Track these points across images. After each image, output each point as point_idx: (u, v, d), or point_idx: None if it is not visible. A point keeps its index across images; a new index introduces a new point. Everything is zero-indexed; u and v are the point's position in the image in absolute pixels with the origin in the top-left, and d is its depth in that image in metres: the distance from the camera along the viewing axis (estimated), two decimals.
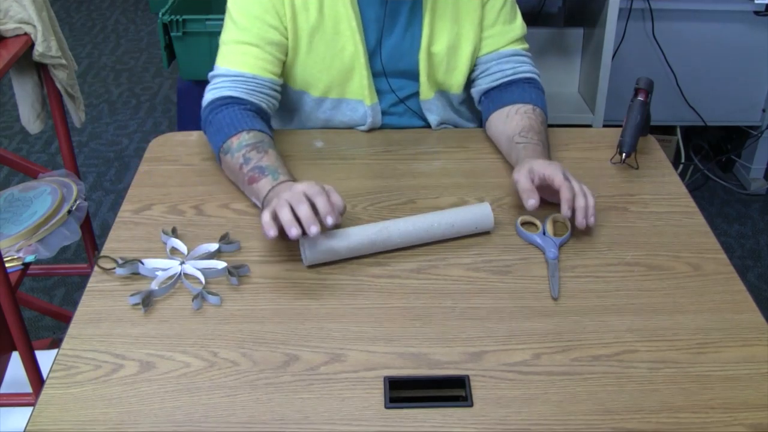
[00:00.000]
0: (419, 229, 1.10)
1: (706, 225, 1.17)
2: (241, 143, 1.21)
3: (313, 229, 1.00)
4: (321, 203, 1.02)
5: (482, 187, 1.25)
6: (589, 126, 2.29)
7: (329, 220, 1.02)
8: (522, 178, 1.14)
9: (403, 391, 0.89)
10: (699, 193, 2.72)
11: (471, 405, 0.87)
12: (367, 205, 1.21)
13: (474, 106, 1.47)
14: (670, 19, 2.34)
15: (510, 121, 1.32)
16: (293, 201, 1.02)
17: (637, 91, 1.31)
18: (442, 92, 1.42)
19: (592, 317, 0.99)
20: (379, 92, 1.39)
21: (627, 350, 0.94)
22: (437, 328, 0.97)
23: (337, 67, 1.34)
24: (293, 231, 1.00)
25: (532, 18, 2.53)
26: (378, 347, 0.95)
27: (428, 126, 1.43)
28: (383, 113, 1.40)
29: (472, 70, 1.41)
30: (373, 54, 1.35)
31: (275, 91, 1.34)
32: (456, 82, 1.40)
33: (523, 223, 1.16)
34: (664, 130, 2.69)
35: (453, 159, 1.33)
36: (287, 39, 1.32)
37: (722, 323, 0.98)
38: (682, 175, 2.37)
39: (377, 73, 1.37)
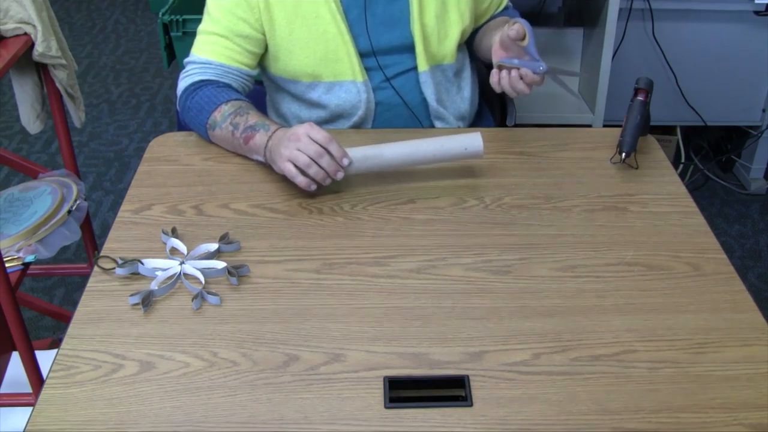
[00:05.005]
0: (411, 147, 1.22)
1: (706, 225, 1.17)
2: (224, 115, 1.30)
3: (328, 181, 1.19)
4: (326, 163, 1.16)
5: (482, 187, 1.25)
6: (589, 126, 2.29)
7: (339, 176, 1.18)
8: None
9: (403, 391, 0.89)
10: (699, 193, 2.72)
11: (471, 405, 0.87)
12: (367, 204, 1.21)
13: (468, 79, 1.52)
14: (670, 19, 2.34)
15: (489, 25, 1.50)
16: (308, 152, 1.15)
17: (637, 91, 1.31)
18: (437, 65, 1.44)
19: (591, 317, 0.99)
20: (369, 70, 1.41)
21: (627, 350, 0.94)
22: (437, 328, 0.97)
23: (321, 50, 1.36)
24: (312, 187, 1.19)
25: (532, 18, 2.52)
26: (378, 347, 0.95)
27: (424, 102, 1.45)
28: (375, 89, 1.42)
29: (465, 38, 1.48)
30: (358, 34, 1.37)
31: (244, 79, 1.40)
32: (449, 50, 1.44)
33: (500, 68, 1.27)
34: (664, 130, 2.69)
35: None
36: (262, 34, 1.37)
37: (722, 323, 0.98)
38: (682, 175, 2.37)
39: (367, 52, 1.39)
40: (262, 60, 1.44)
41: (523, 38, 1.24)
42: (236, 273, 1.05)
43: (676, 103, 2.48)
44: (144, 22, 4.27)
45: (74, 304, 1.95)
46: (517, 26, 1.22)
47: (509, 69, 1.26)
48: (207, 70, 1.36)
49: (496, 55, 1.30)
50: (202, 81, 1.36)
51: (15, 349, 1.60)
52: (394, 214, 1.19)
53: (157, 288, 1.03)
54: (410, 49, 1.41)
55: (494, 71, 1.28)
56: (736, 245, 2.47)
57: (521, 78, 1.23)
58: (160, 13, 2.23)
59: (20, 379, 1.64)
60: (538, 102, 2.36)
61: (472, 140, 1.23)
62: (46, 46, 1.63)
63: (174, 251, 1.11)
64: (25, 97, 1.76)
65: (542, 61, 1.21)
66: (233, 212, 1.19)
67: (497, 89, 1.28)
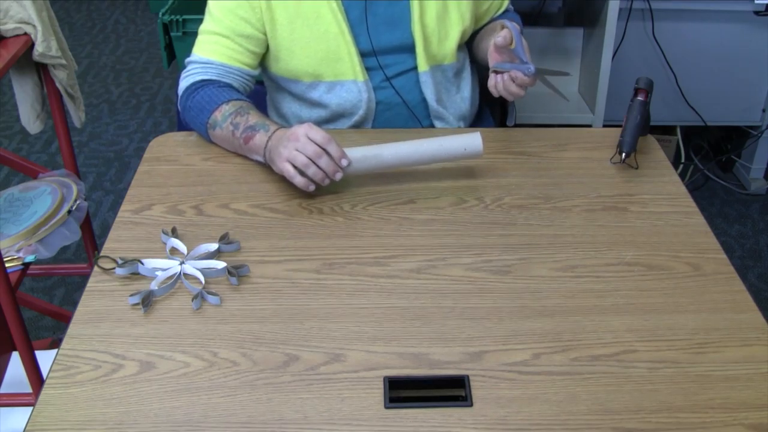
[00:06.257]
0: (410, 147, 1.22)
1: (706, 225, 1.17)
2: (225, 114, 1.30)
3: (327, 181, 1.19)
4: (324, 164, 1.16)
5: (482, 187, 1.25)
6: (589, 126, 2.29)
7: (338, 176, 1.18)
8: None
9: (403, 391, 0.89)
10: (699, 193, 2.72)
11: (471, 405, 0.87)
12: (367, 205, 1.21)
13: (468, 79, 1.53)
14: (670, 19, 2.34)
15: (487, 29, 1.51)
16: (306, 152, 1.15)
17: (637, 91, 1.31)
18: (437, 66, 1.45)
19: (591, 317, 0.99)
20: (370, 69, 1.41)
21: (626, 350, 0.94)
22: (437, 328, 0.97)
23: (322, 49, 1.36)
24: (311, 187, 1.19)
25: (532, 18, 2.53)
26: (378, 347, 0.95)
27: (424, 102, 1.45)
28: (375, 89, 1.42)
29: (465, 38, 1.49)
30: (359, 33, 1.37)
31: (245, 79, 1.40)
32: (449, 51, 1.44)
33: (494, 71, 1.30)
34: (664, 130, 2.69)
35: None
36: (263, 33, 1.37)
37: (722, 323, 0.98)
38: (682, 175, 2.37)
39: (367, 52, 1.39)
40: (263, 60, 1.44)
41: (511, 43, 1.26)
42: (236, 273, 1.05)
43: (676, 103, 2.48)
44: (144, 22, 4.27)
45: (74, 304, 1.95)
46: (504, 32, 1.25)
47: (503, 73, 1.28)
48: (208, 69, 1.36)
49: (492, 60, 1.32)
50: (203, 80, 1.36)
51: (15, 349, 1.60)
52: (394, 214, 1.19)
53: (157, 288, 1.03)
54: (410, 49, 1.41)
55: (491, 76, 1.31)
56: (736, 245, 2.47)
57: (513, 81, 1.26)
58: (160, 13, 2.23)
59: (20, 379, 1.64)
60: (538, 102, 2.36)
61: (472, 140, 1.23)
62: (46, 46, 1.63)
63: (174, 251, 1.11)
64: (25, 97, 1.76)
65: (531, 63, 1.24)
66: (233, 212, 1.19)
67: (495, 93, 1.31)
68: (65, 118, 1.80)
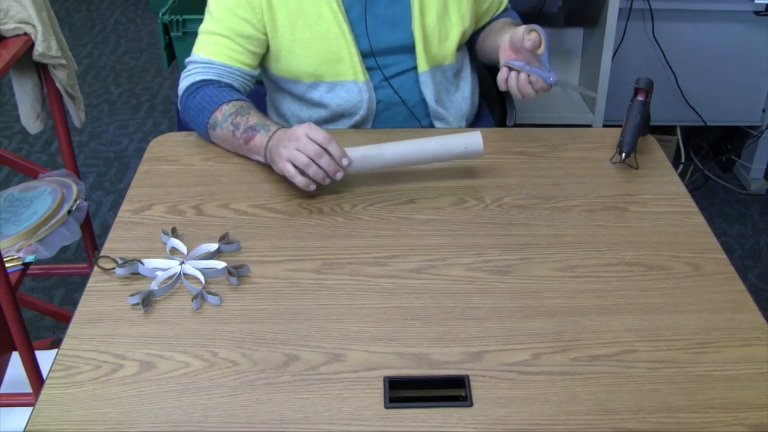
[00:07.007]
0: (410, 146, 1.22)
1: (706, 225, 1.17)
2: (225, 114, 1.30)
3: (327, 181, 1.18)
4: (325, 163, 1.16)
5: (482, 187, 1.25)
6: (589, 126, 2.29)
7: (338, 176, 1.18)
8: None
9: (403, 391, 0.89)
10: (699, 193, 2.72)
11: (471, 405, 0.87)
12: (367, 205, 1.21)
13: (468, 79, 1.52)
14: (670, 19, 2.34)
15: (493, 26, 1.52)
16: (307, 152, 1.15)
17: (637, 91, 1.31)
18: (437, 66, 1.45)
19: (591, 317, 0.99)
20: (370, 69, 1.42)
21: (626, 350, 0.94)
22: (437, 328, 0.97)
23: (323, 50, 1.37)
24: (312, 187, 1.18)
25: (532, 18, 2.53)
26: (378, 347, 0.95)
27: (423, 102, 1.45)
28: (375, 88, 1.43)
29: (465, 39, 1.49)
30: (359, 33, 1.38)
31: (246, 79, 1.40)
32: (449, 51, 1.44)
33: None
34: (664, 130, 2.69)
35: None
36: (264, 34, 1.37)
37: (722, 323, 0.98)
38: (682, 175, 2.37)
39: (368, 52, 1.40)
40: (262, 60, 1.44)
41: (540, 45, 1.25)
42: (236, 273, 1.05)
43: (676, 103, 2.48)
44: (144, 22, 4.27)
45: (74, 304, 1.95)
46: (534, 36, 1.24)
47: (518, 71, 1.27)
48: (209, 69, 1.36)
49: (504, 56, 1.31)
50: (203, 81, 1.36)
51: (15, 349, 1.60)
52: (394, 214, 1.19)
53: (157, 288, 1.03)
54: (411, 49, 1.41)
55: (504, 70, 1.30)
56: (736, 245, 2.47)
57: (530, 83, 1.26)
58: (160, 13, 2.23)
59: (20, 379, 1.64)
60: (538, 102, 2.36)
61: (473, 139, 1.23)
62: (46, 46, 1.63)
63: (174, 251, 1.11)
64: (25, 97, 1.76)
65: (554, 71, 1.24)
66: (233, 212, 1.20)
67: (503, 88, 1.30)
68: (65, 118, 1.80)
